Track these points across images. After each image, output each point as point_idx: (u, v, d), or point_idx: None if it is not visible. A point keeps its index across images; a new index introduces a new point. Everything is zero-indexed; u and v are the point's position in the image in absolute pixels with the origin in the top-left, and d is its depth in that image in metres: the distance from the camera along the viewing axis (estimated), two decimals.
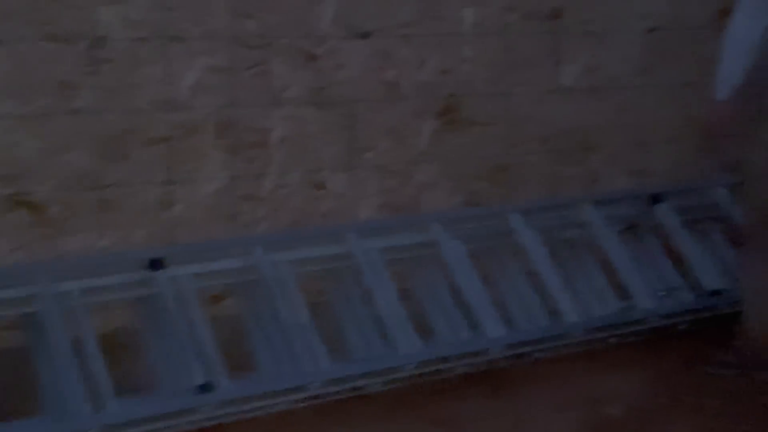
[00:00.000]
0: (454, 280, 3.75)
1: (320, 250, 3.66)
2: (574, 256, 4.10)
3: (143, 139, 3.45)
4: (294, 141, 3.73)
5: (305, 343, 3.38)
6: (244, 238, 3.61)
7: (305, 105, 3.73)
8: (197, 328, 3.26)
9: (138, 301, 3.28)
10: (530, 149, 4.17)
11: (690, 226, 4.31)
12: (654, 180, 4.39)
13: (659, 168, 4.43)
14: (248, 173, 3.65)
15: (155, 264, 3.26)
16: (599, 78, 4.27)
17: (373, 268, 3.62)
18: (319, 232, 3.74)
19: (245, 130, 3.63)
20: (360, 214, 3.87)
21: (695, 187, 4.39)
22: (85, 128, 3.34)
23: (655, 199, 4.22)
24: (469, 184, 4.06)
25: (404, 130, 3.92)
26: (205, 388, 3.11)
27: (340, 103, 3.79)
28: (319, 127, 3.76)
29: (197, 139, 3.56)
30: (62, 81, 3.28)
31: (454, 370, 3.56)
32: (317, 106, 3.75)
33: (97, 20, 3.31)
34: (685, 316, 4.04)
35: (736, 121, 3.48)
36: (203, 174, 3.57)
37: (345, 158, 3.82)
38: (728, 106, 3.45)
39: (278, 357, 3.42)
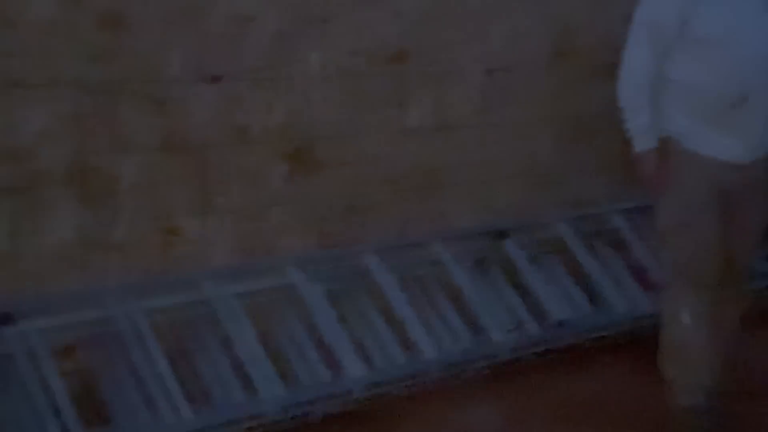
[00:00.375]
0: (313, 322, 3.76)
1: (175, 298, 3.61)
2: (428, 293, 4.18)
3: None
4: (145, 187, 3.66)
5: (164, 394, 3.31)
6: (95, 288, 3.51)
7: (155, 151, 3.67)
8: (50, 382, 3.16)
9: None
10: (380, 189, 4.23)
11: (535, 259, 4.47)
12: (499, 216, 4.52)
13: (503, 204, 4.57)
14: (98, 221, 3.56)
15: (3, 319, 3.14)
16: (443, 118, 4.38)
17: (231, 313, 3.60)
18: (173, 279, 3.68)
19: (94, 178, 3.54)
20: (214, 259, 3.82)
21: (538, 222, 4.56)
22: None
23: (501, 234, 4.36)
24: (323, 226, 4.08)
25: (256, 174, 3.91)
26: None
27: (190, 148, 3.75)
28: (170, 172, 3.71)
29: (43, 188, 3.45)
30: None
31: (316, 412, 3.55)
32: (168, 151, 3.70)
33: None
34: (535, 348, 4.17)
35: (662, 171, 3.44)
36: (51, 224, 3.46)
37: (197, 203, 3.78)
38: (653, 156, 3.44)
39: (136, 409, 3.34)
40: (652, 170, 3.46)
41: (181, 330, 3.55)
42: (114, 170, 3.59)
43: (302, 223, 4.03)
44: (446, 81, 4.37)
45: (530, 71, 4.62)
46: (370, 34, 4.15)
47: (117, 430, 3.33)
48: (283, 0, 3.91)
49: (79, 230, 3.52)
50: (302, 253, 4.00)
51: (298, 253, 3.99)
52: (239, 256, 3.88)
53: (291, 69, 3.97)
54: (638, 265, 4.63)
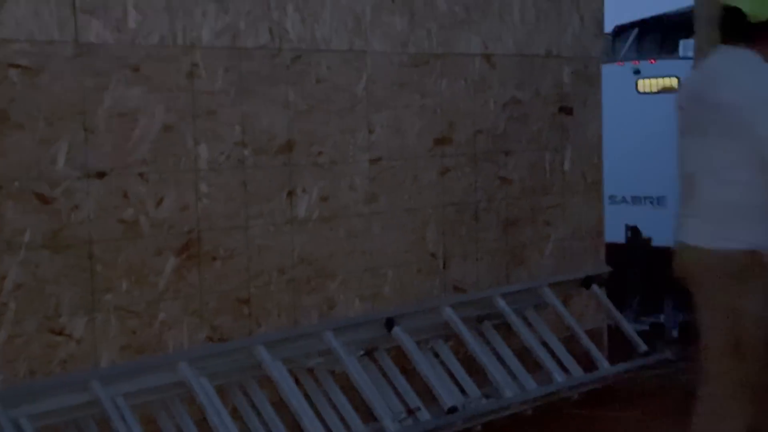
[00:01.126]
0: (206, 418, 3.70)
1: (62, 401, 3.51)
2: (320, 383, 4.17)
3: None
4: (29, 287, 3.57)
5: None
6: None
7: (40, 249, 3.59)
8: None
9: None
10: (270, 280, 4.23)
11: (423, 345, 4.52)
12: (387, 303, 4.57)
13: (391, 291, 4.62)
14: None
15: None
16: (330, 208, 4.42)
17: (121, 414, 3.51)
18: (59, 381, 3.58)
19: None
20: (102, 359, 3.73)
21: (425, 307, 4.62)
22: None
23: (390, 322, 4.39)
24: (213, 319, 4.04)
25: (145, 269, 3.85)
26: None
27: (77, 245, 3.68)
28: (56, 271, 3.63)
29: None
30: None
31: None
32: (53, 249, 3.62)
33: None
34: None
35: None
36: None
37: (84, 301, 3.70)
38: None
39: None
40: None
41: None
42: None
43: (192, 318, 3.98)
44: (333, 171, 4.43)
45: (414, 159, 4.72)
46: (258, 125, 4.18)
47: None
48: (169, 94, 3.91)
49: None
50: (193, 348, 3.94)
51: (188, 348, 3.94)
52: (128, 354, 3.80)
53: (178, 162, 3.95)
54: (523, 347, 4.73)
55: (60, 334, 3.65)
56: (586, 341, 4.93)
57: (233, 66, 4.09)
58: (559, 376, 4.68)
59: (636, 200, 6.95)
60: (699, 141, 3.41)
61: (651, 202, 6.96)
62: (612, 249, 5.71)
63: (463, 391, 4.49)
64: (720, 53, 3.45)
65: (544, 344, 4.84)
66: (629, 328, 5.19)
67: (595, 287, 5.20)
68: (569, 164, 5.39)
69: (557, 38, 5.29)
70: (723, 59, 3.42)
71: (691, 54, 11.32)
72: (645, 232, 6.55)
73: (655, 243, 6.65)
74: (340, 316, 4.42)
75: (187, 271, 3.97)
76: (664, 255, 6.75)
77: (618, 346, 5.28)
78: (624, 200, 6.83)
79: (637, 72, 10.41)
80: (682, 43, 12.75)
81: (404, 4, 4.63)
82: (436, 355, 4.58)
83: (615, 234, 6.09)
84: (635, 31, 14.70)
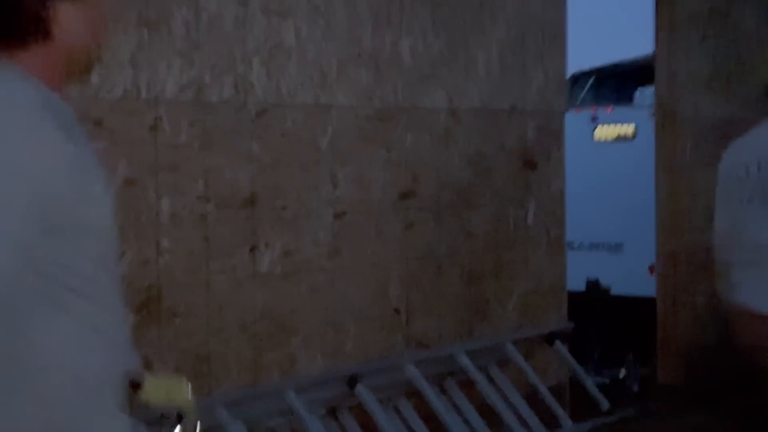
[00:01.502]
0: None
1: None
2: None
3: None
4: None
5: None
6: None
7: None
8: None
9: None
10: (231, 336, 4.15)
11: (386, 403, 4.45)
12: (350, 360, 4.50)
13: (354, 348, 4.56)
14: None
15: None
16: (294, 262, 4.36)
17: None
18: None
19: None
20: None
21: (388, 364, 4.56)
22: None
23: (352, 380, 4.33)
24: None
25: None
26: None
27: None
28: None
29: None
30: None
31: None
32: None
33: None
34: None
35: None
36: None
37: None
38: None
39: None
40: None
41: None
42: None
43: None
44: (296, 225, 4.37)
45: (378, 213, 4.68)
46: (221, 179, 4.12)
47: None
48: (132, 148, 3.84)
49: None
50: None
51: None
52: None
53: (140, 216, 3.88)
54: (486, 404, 4.68)
55: None
56: (549, 398, 4.89)
57: (197, 120, 4.04)
58: None
59: (594, 247, 6.97)
60: None
61: (608, 249, 6.99)
62: (571, 297, 5.70)
63: None
64: None
65: (507, 401, 4.79)
66: (592, 385, 5.17)
67: (558, 344, 5.18)
68: (533, 218, 5.38)
69: (522, 93, 5.30)
70: None
71: (647, 102, 11.50)
72: (603, 279, 6.57)
73: (614, 292, 6.68)
74: (302, 373, 4.35)
75: (147, 329, 3.88)
76: (623, 305, 6.78)
77: (580, 402, 5.25)
78: (582, 247, 6.84)
79: (594, 119, 10.51)
80: (638, 91, 12.93)
81: (370, 58, 4.61)
82: (399, 413, 4.52)
83: (573, 281, 6.10)
84: (592, 78, 14.88)
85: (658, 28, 6.33)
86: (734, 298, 3.50)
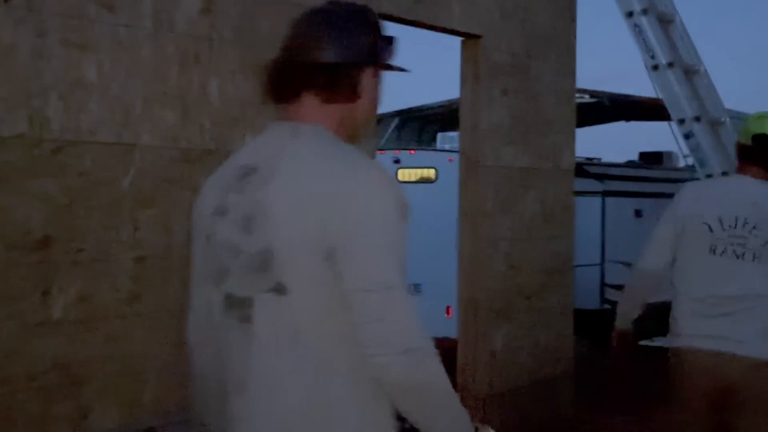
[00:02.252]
0: None
1: None
2: None
3: None
4: None
5: None
6: None
7: None
8: None
9: None
10: (17, 388, 3.87)
11: None
12: (148, 411, 4.29)
13: (152, 399, 4.35)
14: None
15: None
16: (89, 308, 4.12)
17: None
18: None
19: None
20: None
21: (188, 417, 4.36)
22: None
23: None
24: None
25: None
26: None
27: None
28: None
29: None
30: None
31: None
32: None
33: None
34: None
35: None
36: None
37: None
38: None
39: None
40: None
41: None
42: None
43: None
44: (93, 269, 4.14)
45: (181, 259, 4.50)
46: (12, 219, 3.86)
47: None
48: None
49: None
50: None
51: None
52: None
53: None
54: None
55: None
56: None
57: None
58: None
59: None
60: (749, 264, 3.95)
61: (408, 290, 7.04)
62: None
63: None
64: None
65: None
66: None
67: None
68: None
69: None
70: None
71: (448, 146, 11.77)
72: None
73: None
74: (95, 426, 4.11)
75: None
76: None
77: None
78: None
79: (397, 161, 10.65)
80: (440, 135, 13.23)
81: (177, 98, 4.46)
82: None
83: None
84: (396, 120, 15.13)
85: (463, 80, 6.45)
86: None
